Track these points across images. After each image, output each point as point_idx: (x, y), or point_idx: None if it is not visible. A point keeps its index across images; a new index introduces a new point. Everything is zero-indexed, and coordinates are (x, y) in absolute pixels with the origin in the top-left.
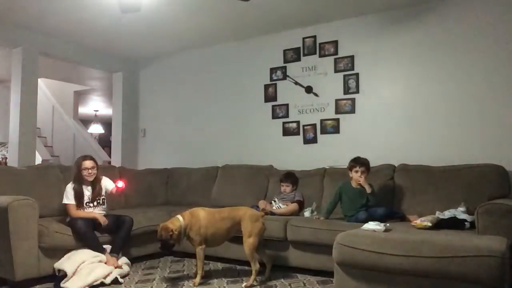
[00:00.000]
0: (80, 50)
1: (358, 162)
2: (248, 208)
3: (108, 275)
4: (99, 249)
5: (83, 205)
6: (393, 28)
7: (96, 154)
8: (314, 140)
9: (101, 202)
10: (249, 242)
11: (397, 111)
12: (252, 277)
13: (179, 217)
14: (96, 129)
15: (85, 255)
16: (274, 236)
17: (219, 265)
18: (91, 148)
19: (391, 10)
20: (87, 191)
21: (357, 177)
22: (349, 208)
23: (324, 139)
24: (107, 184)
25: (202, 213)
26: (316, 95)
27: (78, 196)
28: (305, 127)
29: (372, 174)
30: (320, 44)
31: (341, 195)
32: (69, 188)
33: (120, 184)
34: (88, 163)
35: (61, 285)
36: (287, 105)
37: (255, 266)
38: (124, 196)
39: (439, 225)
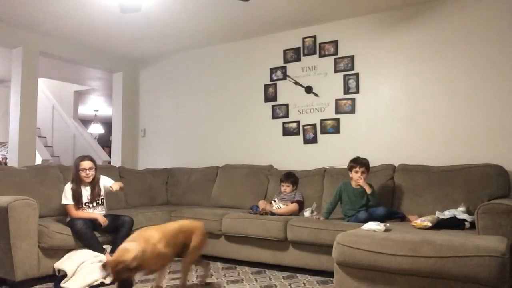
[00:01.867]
0: (80, 50)
1: (358, 162)
2: (199, 222)
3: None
4: (99, 249)
5: (82, 206)
6: (393, 28)
7: (96, 154)
8: (314, 140)
9: (100, 202)
10: (194, 255)
11: (397, 111)
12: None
13: (131, 244)
14: (96, 129)
15: (85, 255)
16: (274, 236)
17: (219, 265)
18: (91, 148)
19: (391, 10)
20: (86, 191)
21: (357, 177)
22: (349, 208)
23: (324, 139)
24: (105, 182)
25: (154, 233)
26: (316, 95)
27: (77, 196)
28: (305, 127)
29: (372, 174)
30: (320, 44)
31: (341, 195)
32: (68, 188)
33: (115, 186)
34: (86, 164)
35: (61, 285)
36: (287, 105)
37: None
38: (124, 195)
39: (439, 225)
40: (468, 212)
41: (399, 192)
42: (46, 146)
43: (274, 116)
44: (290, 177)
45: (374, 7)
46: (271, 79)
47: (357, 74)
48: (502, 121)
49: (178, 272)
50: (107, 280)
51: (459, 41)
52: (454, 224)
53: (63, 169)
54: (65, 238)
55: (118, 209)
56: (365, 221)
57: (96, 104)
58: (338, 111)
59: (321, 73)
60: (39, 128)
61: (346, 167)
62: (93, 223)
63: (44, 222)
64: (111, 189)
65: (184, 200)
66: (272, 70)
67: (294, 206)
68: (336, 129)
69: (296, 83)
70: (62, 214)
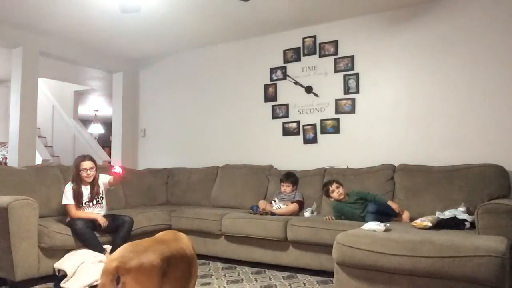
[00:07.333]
0: (80, 50)
1: (333, 181)
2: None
3: None
4: (99, 249)
5: (82, 205)
6: (393, 28)
7: (96, 154)
8: (314, 140)
9: (99, 201)
10: None
11: (397, 111)
12: None
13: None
14: (96, 129)
15: (85, 255)
16: (274, 236)
17: (219, 265)
18: (91, 148)
19: (391, 10)
20: (86, 191)
21: (338, 195)
22: (358, 215)
23: (324, 139)
24: (104, 179)
25: None
26: (316, 95)
27: (77, 196)
28: (305, 127)
29: (372, 174)
30: (320, 44)
31: (341, 212)
32: (68, 188)
33: (118, 169)
34: (87, 164)
35: (61, 285)
36: (287, 105)
37: None
38: (124, 195)
39: (439, 225)
40: (468, 212)
41: (399, 192)
42: (46, 146)
43: (274, 116)
44: (290, 177)
45: (374, 7)
46: (271, 79)
47: (357, 74)
48: (502, 121)
49: None
50: None
51: (459, 41)
52: (454, 224)
53: (63, 169)
54: (65, 238)
55: (118, 209)
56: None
57: (96, 104)
58: (338, 111)
59: (321, 73)
60: (39, 128)
61: (346, 167)
62: (93, 223)
63: (44, 222)
64: (109, 185)
65: (184, 200)
66: (272, 70)
67: (294, 206)
68: (336, 129)
69: (296, 83)
70: (62, 214)
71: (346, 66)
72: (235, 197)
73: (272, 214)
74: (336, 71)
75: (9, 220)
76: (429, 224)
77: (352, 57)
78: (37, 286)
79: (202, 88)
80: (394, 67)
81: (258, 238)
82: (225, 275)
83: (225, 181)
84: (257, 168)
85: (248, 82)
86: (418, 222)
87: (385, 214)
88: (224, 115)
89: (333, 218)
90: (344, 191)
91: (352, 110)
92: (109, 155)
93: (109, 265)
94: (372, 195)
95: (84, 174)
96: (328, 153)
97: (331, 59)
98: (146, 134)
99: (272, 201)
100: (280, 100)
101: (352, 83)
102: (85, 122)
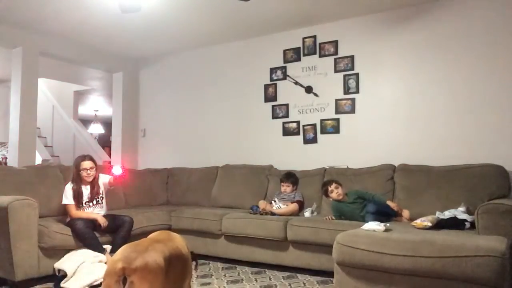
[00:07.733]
0: (80, 50)
1: (332, 181)
2: None
3: None
4: (99, 249)
5: (82, 205)
6: (393, 28)
7: (96, 154)
8: (314, 140)
9: (99, 201)
10: None
11: (397, 111)
12: None
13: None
14: (96, 129)
15: (85, 255)
16: (274, 236)
17: (219, 265)
18: (91, 148)
19: (391, 10)
20: (86, 191)
21: (337, 195)
22: (358, 215)
23: (324, 139)
24: (104, 179)
25: None
26: (316, 95)
27: (77, 196)
28: (305, 127)
29: (372, 174)
30: (320, 44)
31: (341, 211)
32: (68, 188)
33: (117, 170)
34: (87, 164)
35: (61, 285)
36: (287, 105)
37: None
38: (124, 195)
39: (439, 225)
40: (468, 212)
41: (399, 192)
42: (46, 146)
43: (274, 116)
44: (290, 177)
45: (374, 7)
46: (271, 79)
47: (357, 74)
48: (502, 121)
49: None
50: None
51: (459, 41)
52: (454, 224)
53: (63, 169)
54: (65, 238)
55: (118, 209)
56: (375, 211)
57: (96, 104)
58: (338, 111)
59: (321, 73)
60: (39, 128)
61: (346, 167)
62: (93, 223)
63: (44, 222)
64: (109, 185)
65: (184, 200)
66: (272, 70)
67: (294, 206)
68: (336, 129)
69: (296, 83)
70: (62, 214)
71: (346, 66)
72: (235, 197)
73: (272, 214)
74: (336, 71)
75: (9, 220)
76: (429, 224)
77: (352, 57)
78: (37, 286)
79: (202, 88)
80: (394, 67)
81: (258, 238)
82: (225, 275)
83: (225, 181)
84: (257, 168)
85: (248, 82)
86: (418, 222)
87: (385, 214)
88: (224, 115)
89: (333, 218)
90: (343, 191)
91: (352, 110)
92: (109, 155)
93: (114, 266)
94: (371, 194)
95: (84, 174)
96: (328, 153)
97: (331, 59)
98: (146, 134)
99: (272, 201)
100: (280, 100)
101: (352, 83)
102: (85, 122)
